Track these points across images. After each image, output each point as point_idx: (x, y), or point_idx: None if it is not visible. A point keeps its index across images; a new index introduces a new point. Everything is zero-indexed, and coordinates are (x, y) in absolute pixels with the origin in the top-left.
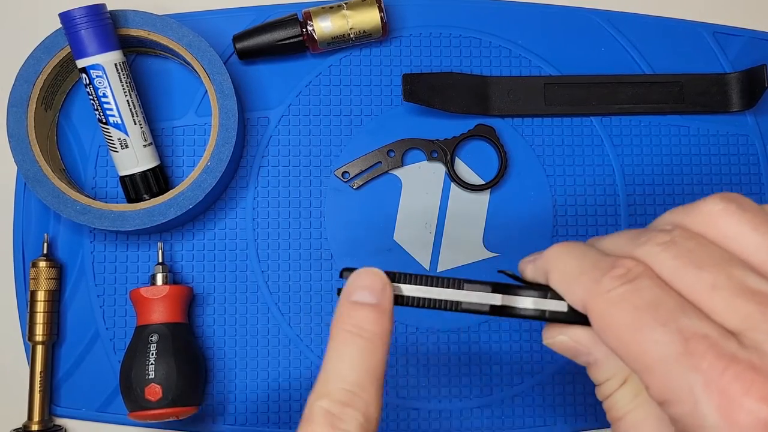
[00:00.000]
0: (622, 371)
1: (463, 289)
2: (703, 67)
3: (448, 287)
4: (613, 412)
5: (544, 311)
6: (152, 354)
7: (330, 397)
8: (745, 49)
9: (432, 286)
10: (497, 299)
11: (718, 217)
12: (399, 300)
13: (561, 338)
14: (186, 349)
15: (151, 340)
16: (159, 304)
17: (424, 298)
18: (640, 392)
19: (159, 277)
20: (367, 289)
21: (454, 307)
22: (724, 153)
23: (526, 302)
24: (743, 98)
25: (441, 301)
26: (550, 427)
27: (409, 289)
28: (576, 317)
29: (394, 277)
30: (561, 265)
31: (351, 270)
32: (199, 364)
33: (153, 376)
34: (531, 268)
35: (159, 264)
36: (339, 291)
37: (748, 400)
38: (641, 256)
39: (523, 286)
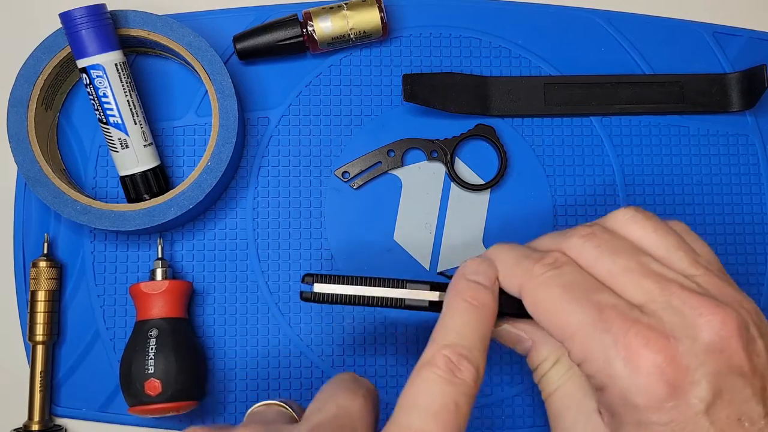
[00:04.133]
0: (555, 352)
1: (405, 288)
2: (703, 68)
3: (392, 287)
4: (547, 389)
5: None
6: (152, 349)
7: (452, 348)
8: (744, 49)
9: (377, 286)
10: (435, 296)
11: (628, 222)
12: (343, 299)
13: (505, 326)
14: (186, 344)
15: (150, 335)
16: (158, 299)
17: (372, 297)
18: (569, 368)
19: (159, 272)
20: (483, 274)
21: (399, 303)
22: (723, 153)
23: None
24: (743, 98)
25: (387, 299)
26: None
27: (353, 290)
28: (505, 308)
29: (341, 279)
30: (501, 262)
31: (312, 275)
32: (199, 359)
33: (153, 371)
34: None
35: (159, 259)
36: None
37: (646, 350)
38: (567, 247)
39: None
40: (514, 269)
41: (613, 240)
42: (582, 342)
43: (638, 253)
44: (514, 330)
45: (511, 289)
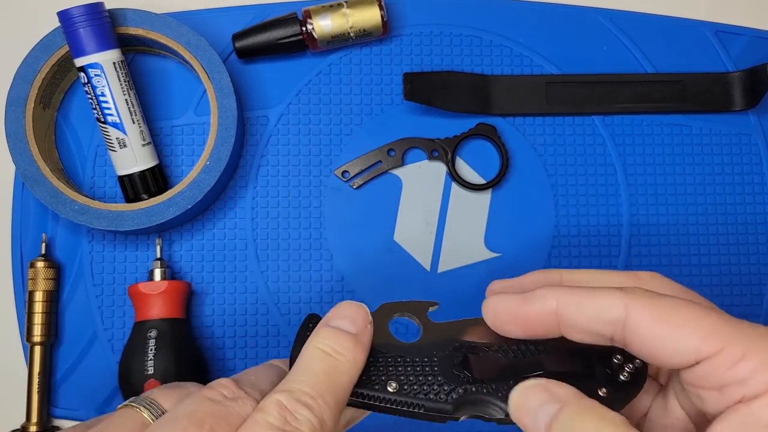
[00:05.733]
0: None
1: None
2: (706, 66)
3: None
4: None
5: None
6: (151, 350)
7: (290, 393)
8: (747, 48)
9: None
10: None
11: None
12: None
13: (533, 385)
14: (185, 344)
15: (149, 336)
16: (157, 299)
17: (386, 407)
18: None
19: (157, 273)
20: (348, 318)
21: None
22: (726, 152)
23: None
24: (746, 97)
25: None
26: None
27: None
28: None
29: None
30: (570, 294)
31: (317, 318)
32: (198, 360)
33: (152, 372)
34: (514, 307)
35: (157, 259)
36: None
37: None
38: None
39: (485, 395)
40: (601, 290)
41: (672, 284)
42: (732, 338)
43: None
44: (543, 393)
45: (607, 311)
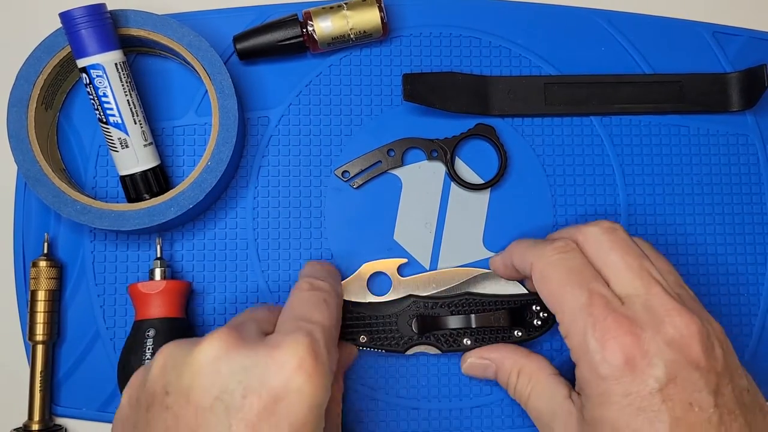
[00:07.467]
0: (515, 365)
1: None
2: (703, 67)
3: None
4: (522, 397)
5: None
6: (149, 349)
7: (312, 276)
8: (745, 48)
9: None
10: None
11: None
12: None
13: (471, 360)
14: None
15: (148, 335)
16: (156, 298)
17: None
18: (531, 377)
19: (157, 272)
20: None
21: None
22: (724, 153)
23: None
24: (743, 98)
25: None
26: None
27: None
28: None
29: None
30: (518, 246)
31: None
32: None
33: None
34: (499, 260)
35: (157, 259)
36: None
37: (616, 332)
38: (585, 233)
39: (425, 343)
40: (527, 251)
41: (628, 241)
42: (570, 319)
43: (643, 257)
44: (479, 361)
45: (523, 266)
